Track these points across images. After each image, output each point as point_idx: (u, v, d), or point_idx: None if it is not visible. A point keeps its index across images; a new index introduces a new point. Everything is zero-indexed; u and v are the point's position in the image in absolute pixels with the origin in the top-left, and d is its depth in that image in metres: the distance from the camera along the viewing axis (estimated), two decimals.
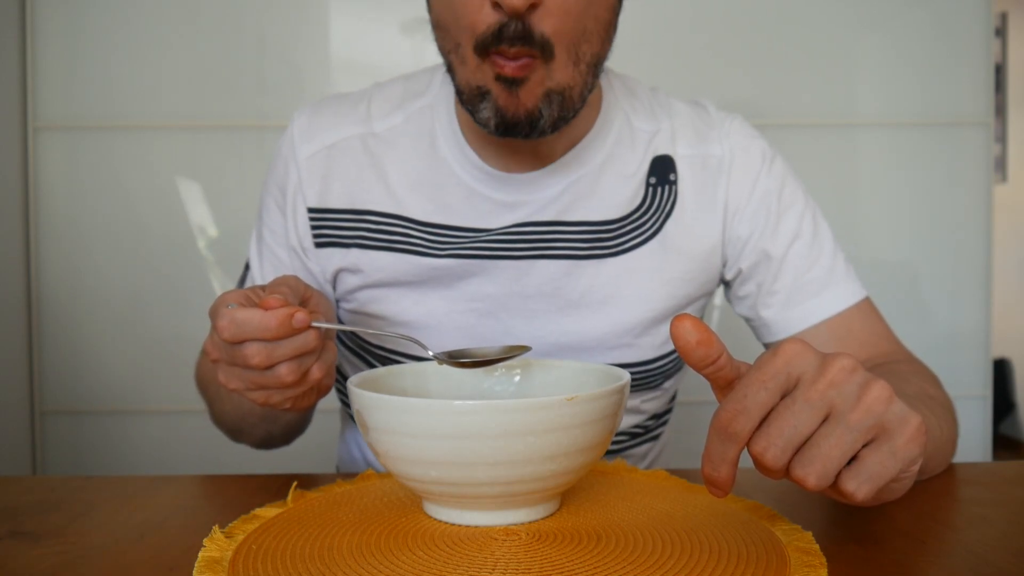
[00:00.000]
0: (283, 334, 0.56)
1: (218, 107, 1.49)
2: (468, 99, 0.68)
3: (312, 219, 0.78)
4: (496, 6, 0.62)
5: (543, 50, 0.63)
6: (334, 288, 0.81)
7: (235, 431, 0.80)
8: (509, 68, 0.64)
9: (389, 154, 0.78)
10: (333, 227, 0.78)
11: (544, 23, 0.63)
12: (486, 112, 0.67)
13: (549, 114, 0.66)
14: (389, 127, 0.79)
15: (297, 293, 0.60)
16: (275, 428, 0.78)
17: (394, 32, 1.50)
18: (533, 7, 0.62)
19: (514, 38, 0.62)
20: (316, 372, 0.59)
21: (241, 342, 0.56)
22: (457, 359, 0.62)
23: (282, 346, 0.56)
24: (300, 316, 0.56)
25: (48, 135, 1.49)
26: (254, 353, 0.56)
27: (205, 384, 0.81)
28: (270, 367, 0.57)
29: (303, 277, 0.79)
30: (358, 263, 0.77)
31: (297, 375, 0.58)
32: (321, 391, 0.64)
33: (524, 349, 0.63)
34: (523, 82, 0.64)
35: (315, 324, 0.58)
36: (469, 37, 0.64)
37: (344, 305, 0.81)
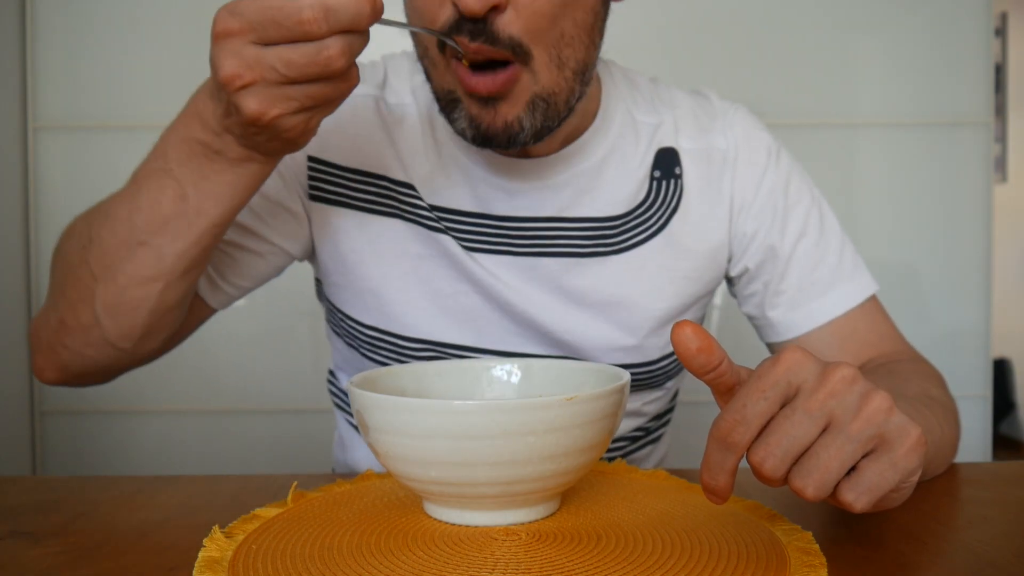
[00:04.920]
0: (375, 20, 0.49)
1: None
2: (444, 106, 0.66)
3: (312, 168, 0.75)
4: (455, 7, 0.60)
5: (515, 52, 0.61)
6: (314, 256, 0.78)
7: (114, 263, 0.61)
8: (482, 86, 0.61)
9: (398, 128, 0.76)
10: (335, 183, 0.75)
11: (513, 26, 0.60)
12: (461, 122, 0.65)
13: (531, 124, 0.64)
14: (399, 103, 0.77)
15: None
16: (169, 251, 0.60)
17: (394, 32, 1.50)
18: (496, 9, 0.59)
19: (474, 33, 0.60)
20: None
21: (330, 35, 0.48)
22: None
23: (360, 41, 0.50)
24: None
25: (48, 135, 1.49)
26: (341, 50, 0.49)
27: (101, 221, 0.62)
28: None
29: (281, 205, 0.75)
30: (365, 226, 0.74)
31: (358, 77, 0.53)
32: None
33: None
34: (503, 97, 0.63)
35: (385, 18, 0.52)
36: (432, 37, 0.63)
37: (334, 278, 0.77)
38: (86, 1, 1.47)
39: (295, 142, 0.56)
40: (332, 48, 0.48)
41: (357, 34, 0.49)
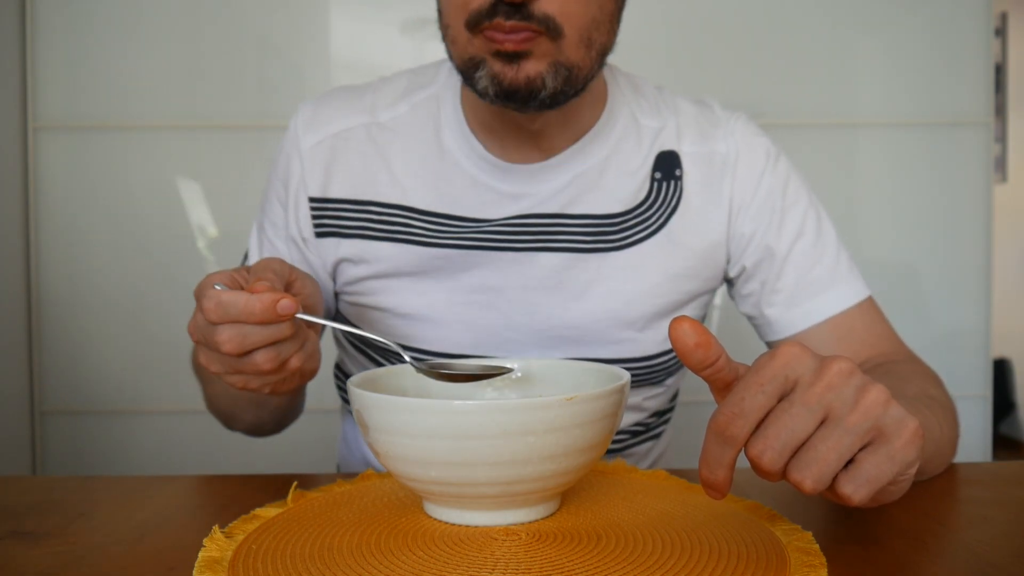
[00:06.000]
0: (267, 319, 0.54)
1: (218, 107, 1.49)
2: (465, 73, 0.68)
3: (314, 209, 0.78)
4: None
5: (548, 27, 0.63)
6: (334, 280, 0.81)
7: (227, 415, 0.81)
8: (509, 43, 0.64)
9: (394, 143, 0.78)
10: (335, 216, 0.77)
11: (548, 5, 0.63)
12: (483, 81, 0.66)
13: (553, 84, 0.66)
14: (394, 116, 0.79)
15: (282, 276, 0.60)
16: (264, 413, 0.78)
17: (394, 32, 1.50)
18: None
19: (510, 12, 0.62)
20: (295, 361, 0.59)
21: (222, 323, 0.55)
22: (437, 370, 0.61)
23: (256, 332, 0.55)
24: (286, 303, 0.55)
25: (48, 135, 1.49)
26: (227, 339, 0.55)
27: (198, 366, 0.81)
28: (244, 354, 0.56)
29: (302, 268, 0.80)
30: (362, 253, 0.77)
31: (275, 363, 0.57)
32: (304, 376, 0.63)
33: (507, 370, 0.63)
34: (526, 55, 0.64)
35: (300, 316, 0.56)
36: (460, 15, 0.65)
37: (345, 297, 0.80)
38: (86, 1, 1.47)
39: (271, 393, 0.62)
40: (220, 334, 0.55)
41: (253, 326, 0.55)
